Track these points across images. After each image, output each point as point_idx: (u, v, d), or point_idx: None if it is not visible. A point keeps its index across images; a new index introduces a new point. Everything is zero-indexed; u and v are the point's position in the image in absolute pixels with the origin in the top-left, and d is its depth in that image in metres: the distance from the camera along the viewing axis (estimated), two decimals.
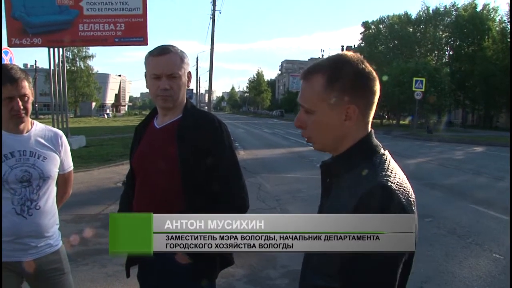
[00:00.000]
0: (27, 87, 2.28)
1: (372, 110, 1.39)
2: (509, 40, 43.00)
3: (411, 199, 1.30)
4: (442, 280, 4.86)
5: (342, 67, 1.35)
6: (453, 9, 53.57)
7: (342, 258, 1.24)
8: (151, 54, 2.13)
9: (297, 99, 1.44)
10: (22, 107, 2.27)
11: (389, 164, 1.35)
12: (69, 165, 2.62)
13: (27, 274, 2.39)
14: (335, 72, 1.35)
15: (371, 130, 1.41)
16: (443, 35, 54.68)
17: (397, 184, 1.28)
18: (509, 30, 44.63)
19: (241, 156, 14.55)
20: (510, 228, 6.69)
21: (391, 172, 1.31)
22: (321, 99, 1.35)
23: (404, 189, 1.29)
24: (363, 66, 1.36)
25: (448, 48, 55.32)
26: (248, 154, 16.87)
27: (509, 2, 43.12)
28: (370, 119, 1.40)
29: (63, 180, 2.60)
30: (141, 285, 2.29)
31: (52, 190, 2.46)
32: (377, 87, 1.38)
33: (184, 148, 2.08)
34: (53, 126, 3.57)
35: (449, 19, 53.70)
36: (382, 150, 1.39)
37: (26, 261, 2.33)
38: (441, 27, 54.53)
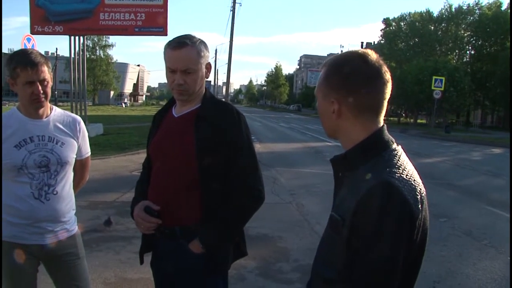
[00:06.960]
0: (46, 71, 2.29)
1: (370, 111, 1.36)
2: None
3: (419, 196, 1.27)
4: (455, 281, 4.80)
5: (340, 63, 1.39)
6: (476, 7, 52.69)
7: (347, 252, 1.25)
8: (169, 46, 2.10)
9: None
10: (42, 92, 2.28)
11: (398, 159, 1.32)
12: (87, 151, 2.65)
13: (43, 257, 2.44)
14: (331, 68, 1.40)
15: (382, 126, 1.39)
16: (465, 34, 53.84)
17: (402, 180, 1.25)
18: None
19: (257, 149, 14.33)
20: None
21: (399, 168, 1.28)
22: (318, 89, 1.43)
23: (410, 186, 1.26)
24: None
25: (470, 47, 54.46)
26: (264, 147, 16.86)
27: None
28: (372, 117, 1.37)
29: (80, 166, 2.63)
30: (154, 272, 2.31)
31: (69, 176, 2.49)
32: (374, 87, 1.35)
33: (201, 137, 2.07)
34: None
35: (472, 18, 52.81)
36: (394, 145, 1.37)
37: (43, 244, 2.37)
38: (463, 26, 53.69)
